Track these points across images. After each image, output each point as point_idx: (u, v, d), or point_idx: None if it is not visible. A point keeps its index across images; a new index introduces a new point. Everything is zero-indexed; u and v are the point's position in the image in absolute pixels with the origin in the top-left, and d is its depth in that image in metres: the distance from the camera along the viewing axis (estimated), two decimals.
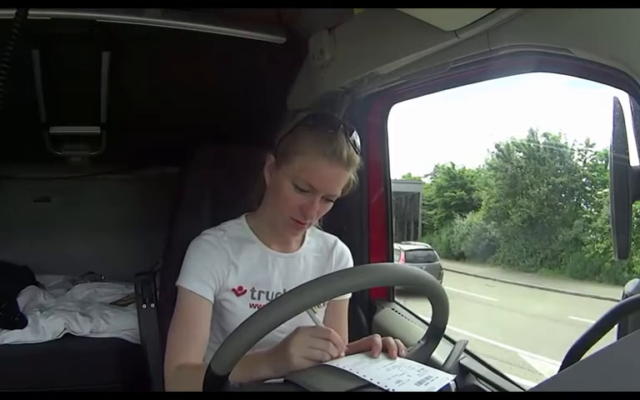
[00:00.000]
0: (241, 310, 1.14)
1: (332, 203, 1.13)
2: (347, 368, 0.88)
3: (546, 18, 0.87)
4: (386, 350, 0.97)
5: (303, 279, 1.15)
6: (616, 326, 0.87)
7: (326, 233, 1.29)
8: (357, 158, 1.11)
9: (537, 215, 11.91)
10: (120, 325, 2.04)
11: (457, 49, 1.07)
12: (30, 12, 0.91)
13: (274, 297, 1.16)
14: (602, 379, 0.51)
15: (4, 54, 0.85)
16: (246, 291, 1.16)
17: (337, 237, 1.30)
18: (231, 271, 1.15)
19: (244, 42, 1.54)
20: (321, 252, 1.26)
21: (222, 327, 1.16)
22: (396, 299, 1.69)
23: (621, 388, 0.48)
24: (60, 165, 2.32)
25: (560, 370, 0.78)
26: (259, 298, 1.16)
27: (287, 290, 1.15)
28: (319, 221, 1.25)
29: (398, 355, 0.96)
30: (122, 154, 2.41)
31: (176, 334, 1.12)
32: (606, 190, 10.50)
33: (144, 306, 1.59)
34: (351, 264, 1.28)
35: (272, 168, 1.14)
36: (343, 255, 1.28)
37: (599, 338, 0.86)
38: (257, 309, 1.08)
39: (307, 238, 1.25)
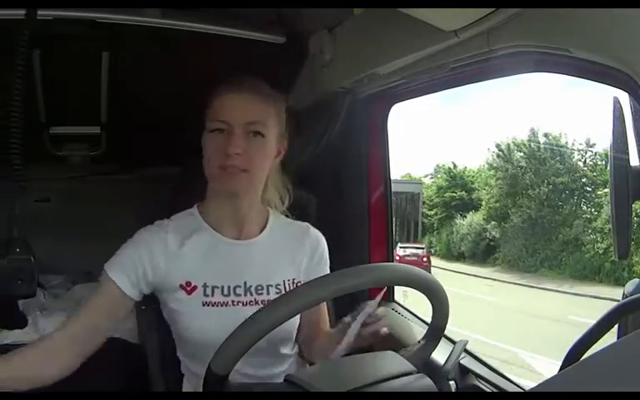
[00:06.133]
0: (192, 311, 1.08)
1: (264, 138, 1.08)
2: None
3: (546, 18, 0.87)
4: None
5: (267, 269, 1.12)
6: (616, 326, 0.87)
7: (296, 221, 1.22)
8: (269, 89, 1.11)
9: (537, 215, 11.90)
10: (120, 325, 2.03)
11: (457, 49, 1.07)
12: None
13: (231, 292, 1.10)
14: (602, 379, 0.51)
15: (17, 54, 0.85)
16: (196, 287, 1.09)
17: (308, 224, 1.22)
18: (171, 262, 1.09)
19: (244, 42, 1.54)
20: (288, 239, 1.18)
21: (180, 333, 1.11)
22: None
23: (621, 388, 0.48)
24: (60, 165, 2.32)
25: (560, 370, 0.78)
26: (213, 295, 1.09)
27: (247, 282, 1.11)
28: (292, 214, 1.21)
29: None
30: (122, 154, 2.40)
31: (79, 319, 1.10)
32: (606, 190, 10.49)
33: (144, 306, 1.59)
34: (326, 252, 1.22)
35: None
36: (319, 243, 1.21)
37: (599, 338, 0.86)
38: (211, 308, 1.07)
39: (269, 224, 1.17)
